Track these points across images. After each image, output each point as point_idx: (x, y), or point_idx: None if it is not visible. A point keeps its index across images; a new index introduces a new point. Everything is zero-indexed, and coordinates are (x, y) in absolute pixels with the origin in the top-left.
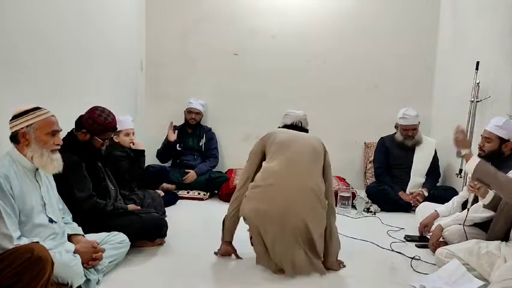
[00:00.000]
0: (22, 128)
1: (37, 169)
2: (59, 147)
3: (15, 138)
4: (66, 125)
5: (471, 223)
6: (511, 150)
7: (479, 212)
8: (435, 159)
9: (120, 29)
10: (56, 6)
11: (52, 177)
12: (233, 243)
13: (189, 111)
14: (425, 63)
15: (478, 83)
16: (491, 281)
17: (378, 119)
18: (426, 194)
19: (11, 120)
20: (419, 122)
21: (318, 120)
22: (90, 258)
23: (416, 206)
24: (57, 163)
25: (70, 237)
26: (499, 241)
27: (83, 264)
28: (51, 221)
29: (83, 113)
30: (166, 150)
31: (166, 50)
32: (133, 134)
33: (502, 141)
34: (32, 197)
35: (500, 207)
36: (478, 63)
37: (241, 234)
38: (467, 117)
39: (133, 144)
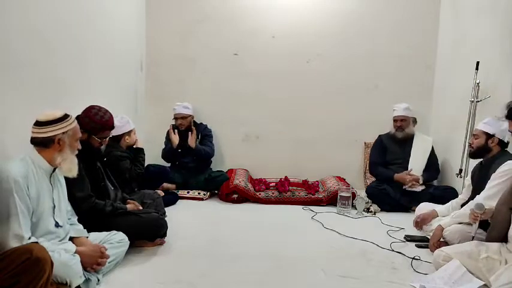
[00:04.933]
0: (58, 135)
1: (53, 172)
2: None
3: (46, 142)
4: None
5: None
6: (499, 147)
7: None
8: (433, 156)
9: (120, 29)
10: (55, 6)
11: (64, 179)
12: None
13: (175, 118)
14: (425, 63)
15: (478, 83)
16: (490, 284)
17: (378, 119)
18: (421, 181)
19: (42, 126)
20: (415, 119)
21: (318, 121)
22: (96, 262)
23: (410, 186)
24: (76, 166)
25: (74, 239)
26: (500, 243)
27: (87, 267)
28: (57, 225)
29: (79, 113)
30: (170, 155)
31: (166, 50)
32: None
33: (488, 136)
34: (45, 199)
35: (494, 214)
36: (478, 63)
37: (240, 233)
38: (467, 117)
39: (137, 141)
